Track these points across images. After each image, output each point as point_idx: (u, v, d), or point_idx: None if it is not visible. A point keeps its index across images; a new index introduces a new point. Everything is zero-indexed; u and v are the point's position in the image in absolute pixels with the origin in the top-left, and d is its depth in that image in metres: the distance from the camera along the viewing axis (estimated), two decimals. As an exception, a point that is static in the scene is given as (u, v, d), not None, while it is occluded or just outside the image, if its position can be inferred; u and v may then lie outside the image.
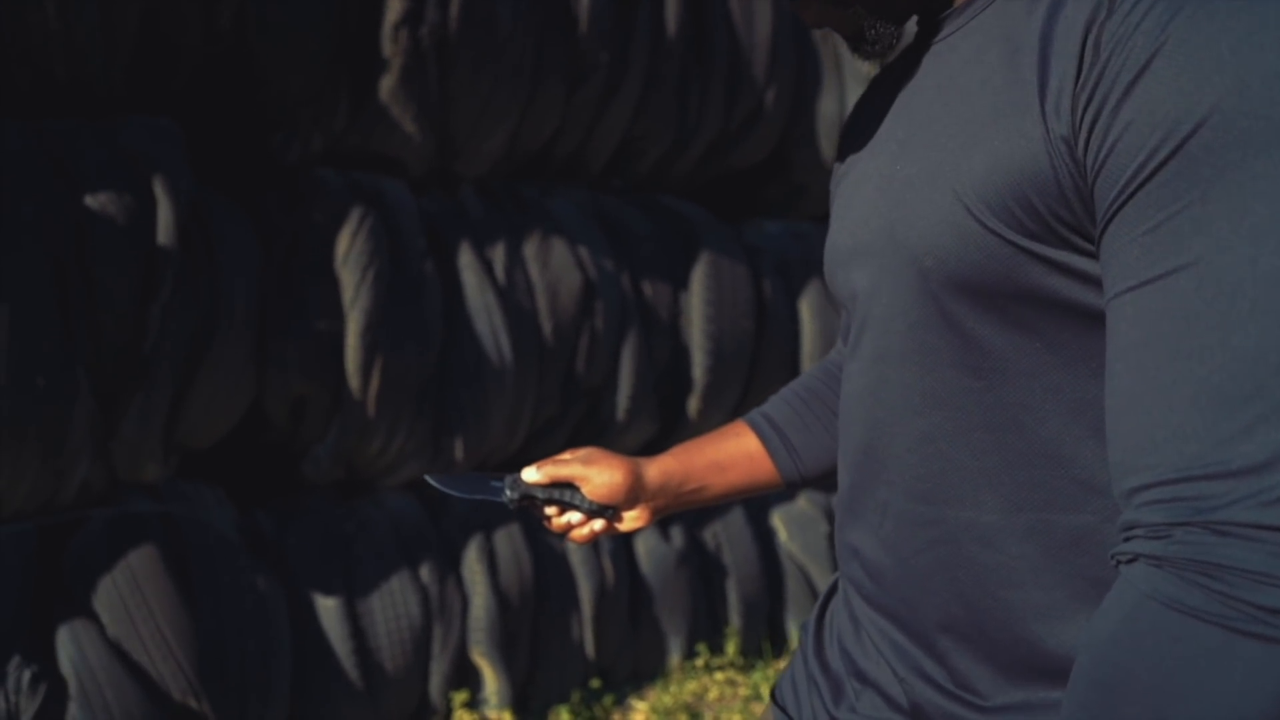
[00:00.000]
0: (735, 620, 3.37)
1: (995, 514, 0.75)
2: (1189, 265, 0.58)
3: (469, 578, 2.82)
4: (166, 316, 2.25)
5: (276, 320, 2.50)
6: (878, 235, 0.80)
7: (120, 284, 2.17)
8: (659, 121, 3.22)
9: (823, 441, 1.13)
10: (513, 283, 2.88)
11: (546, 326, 2.94)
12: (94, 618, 2.18)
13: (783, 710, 0.99)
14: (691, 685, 3.18)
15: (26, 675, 2.05)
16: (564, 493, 1.08)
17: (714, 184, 3.68)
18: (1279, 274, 0.55)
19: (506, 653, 2.85)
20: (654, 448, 3.11)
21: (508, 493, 1.08)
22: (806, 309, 3.56)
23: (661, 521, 3.27)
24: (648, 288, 3.21)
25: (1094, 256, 0.67)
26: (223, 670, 2.31)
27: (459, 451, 2.79)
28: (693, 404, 3.31)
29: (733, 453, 1.12)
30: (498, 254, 2.88)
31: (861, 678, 0.88)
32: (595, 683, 3.05)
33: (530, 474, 1.08)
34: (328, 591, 2.57)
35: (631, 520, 1.11)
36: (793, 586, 3.52)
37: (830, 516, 3.64)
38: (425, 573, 2.73)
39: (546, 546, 3.00)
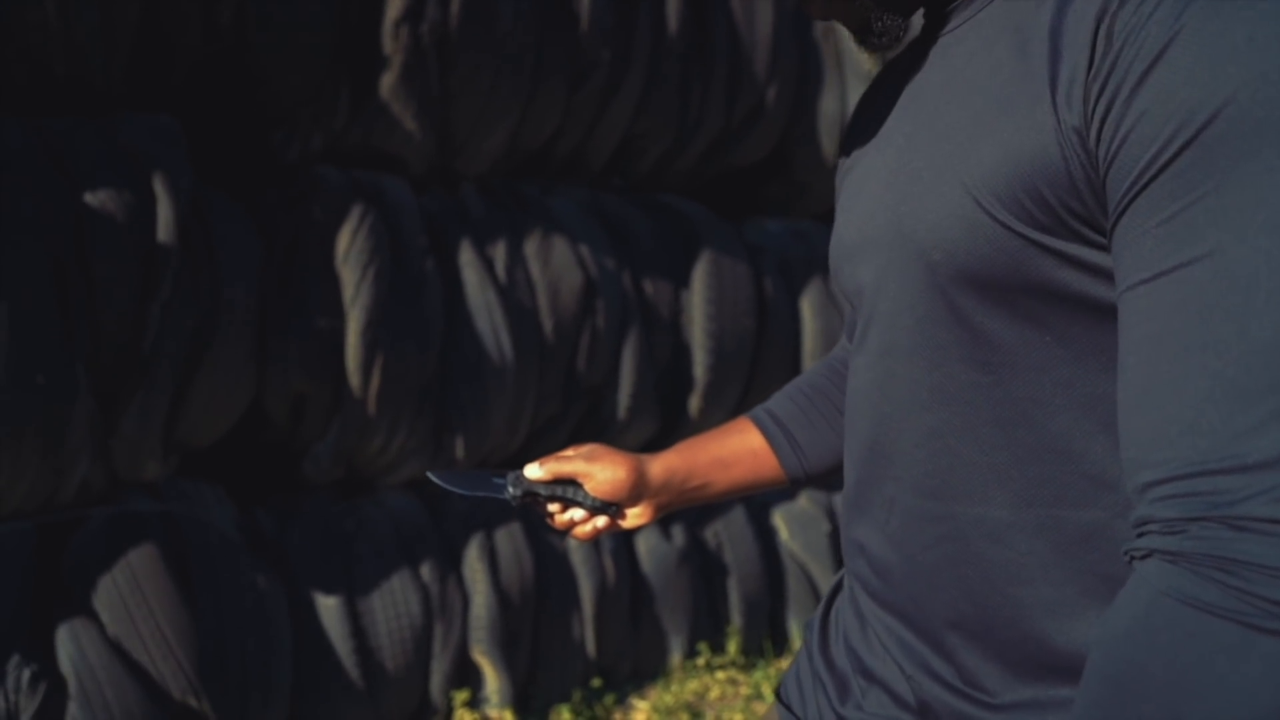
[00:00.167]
0: (737, 619, 3.36)
1: (1004, 510, 0.74)
2: (1204, 257, 0.57)
3: (470, 576, 2.81)
4: (166, 314, 2.24)
5: (277, 318, 2.50)
6: (885, 229, 0.79)
7: (120, 282, 2.17)
8: (660, 119, 3.21)
9: (827, 438, 1.12)
10: (513, 281, 2.87)
11: (547, 325, 2.93)
12: (94, 617, 2.18)
13: (788, 709, 0.98)
14: (693, 684, 3.17)
15: (26, 674, 2.04)
16: (567, 489, 1.08)
17: (715, 182, 3.67)
18: None
19: (507, 652, 2.84)
20: (655, 446, 3.10)
21: (510, 489, 1.07)
22: (808, 307, 3.55)
23: (662, 520, 3.27)
24: (649, 286, 3.20)
25: (1105, 249, 0.66)
26: (223, 669, 2.31)
27: (460, 450, 2.79)
28: (694, 403, 3.30)
29: (736, 449, 1.12)
30: (498, 252, 2.88)
31: (868, 675, 0.87)
32: (596, 682, 3.05)
33: (533, 471, 1.08)
34: (328, 590, 2.56)
35: (635, 517, 1.10)
36: (794, 585, 3.51)
37: (832, 515, 3.63)
38: (426, 571, 2.73)
39: (547, 545, 2.99)
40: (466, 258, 2.81)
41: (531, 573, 2.90)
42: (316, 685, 2.53)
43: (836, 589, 1.00)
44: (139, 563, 2.23)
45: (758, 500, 3.55)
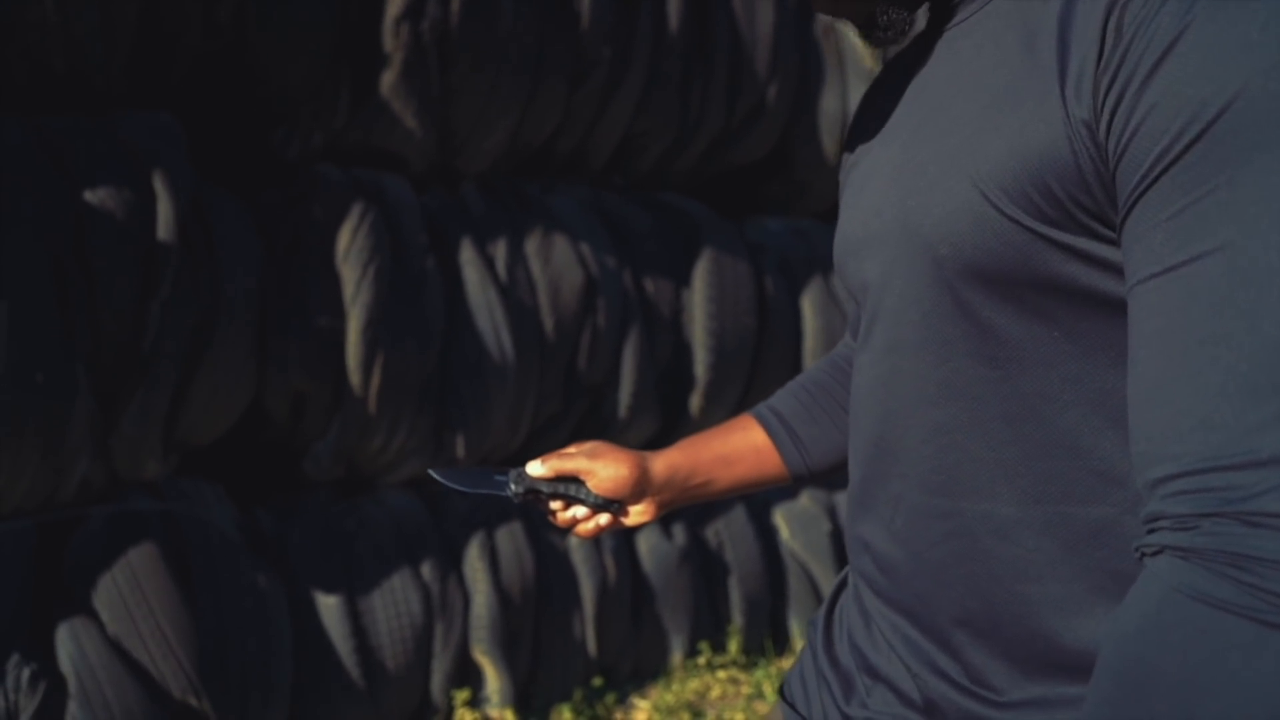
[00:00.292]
0: (738, 618, 3.36)
1: (1012, 506, 0.73)
2: (1216, 250, 0.56)
3: (470, 576, 2.81)
4: (166, 313, 2.23)
5: (277, 317, 2.49)
6: (890, 224, 0.78)
7: (120, 280, 2.16)
8: (661, 118, 3.20)
9: (830, 435, 1.12)
10: (514, 279, 2.87)
11: (548, 323, 2.93)
12: (94, 616, 2.17)
13: (792, 707, 0.98)
14: (694, 683, 3.16)
15: (26, 673, 2.04)
16: (569, 487, 1.07)
17: (716, 181, 3.67)
18: None
19: (508, 651, 2.83)
20: (656, 445, 3.10)
21: (512, 487, 1.07)
22: (809, 306, 3.55)
23: (663, 519, 3.26)
24: (649, 285, 3.20)
25: (1114, 243, 0.65)
26: (223, 668, 2.30)
27: (460, 449, 2.78)
28: (695, 401, 3.30)
29: (739, 446, 1.11)
30: (499, 250, 2.87)
31: (873, 673, 0.86)
32: (597, 681, 3.04)
33: (535, 468, 1.07)
34: (329, 589, 2.56)
35: (637, 514, 1.10)
36: (795, 584, 3.51)
37: (833, 514, 3.63)
38: (426, 571, 2.72)
39: (548, 544, 2.99)
40: (467, 256, 2.81)
41: (532, 572, 2.90)
42: (317, 684, 2.52)
43: (840, 586, 1.00)
44: (139, 562, 2.23)
45: (759, 499, 3.55)
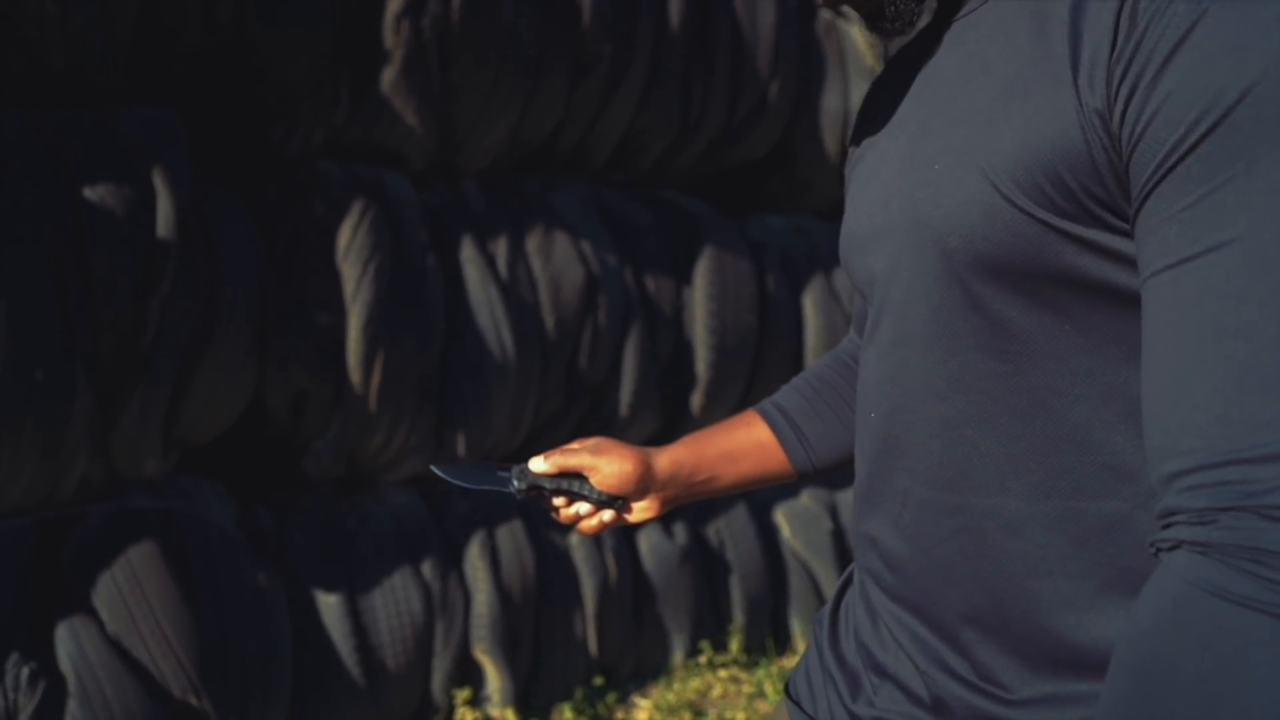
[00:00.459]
0: (739, 617, 3.35)
1: (1022, 501, 0.72)
2: (1233, 241, 0.55)
3: (471, 574, 2.80)
4: (166, 310, 2.23)
5: (277, 314, 2.48)
6: (898, 216, 0.77)
7: (119, 277, 2.15)
8: (662, 115, 3.19)
9: (835, 431, 1.11)
10: (515, 277, 2.86)
11: (549, 321, 2.92)
12: (93, 614, 2.16)
13: (797, 705, 0.97)
14: (695, 683, 3.16)
15: (25, 672, 2.03)
16: (572, 483, 1.06)
17: (717, 178, 3.66)
18: None
19: (509, 650, 2.83)
20: (657, 443, 3.09)
21: (515, 483, 1.06)
22: (810, 304, 3.54)
23: (664, 518, 3.25)
24: (651, 282, 3.19)
25: (1127, 235, 0.64)
26: (223, 667, 2.29)
27: (461, 447, 2.77)
28: (696, 399, 3.29)
29: (744, 442, 1.10)
30: (500, 248, 2.86)
31: (880, 671, 0.86)
32: (598, 680, 3.03)
33: (538, 464, 1.06)
34: (329, 588, 2.55)
35: (641, 511, 1.09)
36: (796, 583, 3.50)
37: (834, 513, 3.62)
38: (427, 569, 2.71)
39: (549, 543, 2.98)
40: (468, 253, 2.80)
41: (533, 571, 2.89)
42: (317, 683, 2.51)
43: (846, 583, 0.99)
44: (139, 560, 2.22)
45: (760, 498, 3.54)
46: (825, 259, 3.64)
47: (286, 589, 2.50)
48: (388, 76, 2.59)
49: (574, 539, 3.03)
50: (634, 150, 3.28)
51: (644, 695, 3.11)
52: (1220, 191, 0.56)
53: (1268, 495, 0.52)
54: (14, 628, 2.07)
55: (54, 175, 2.11)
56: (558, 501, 1.08)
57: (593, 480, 1.06)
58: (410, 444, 2.70)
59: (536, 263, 2.93)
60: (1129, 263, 0.65)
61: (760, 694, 3.15)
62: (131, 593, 2.19)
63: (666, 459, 1.08)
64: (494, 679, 2.80)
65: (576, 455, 1.06)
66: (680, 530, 3.27)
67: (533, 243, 2.94)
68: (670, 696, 3.07)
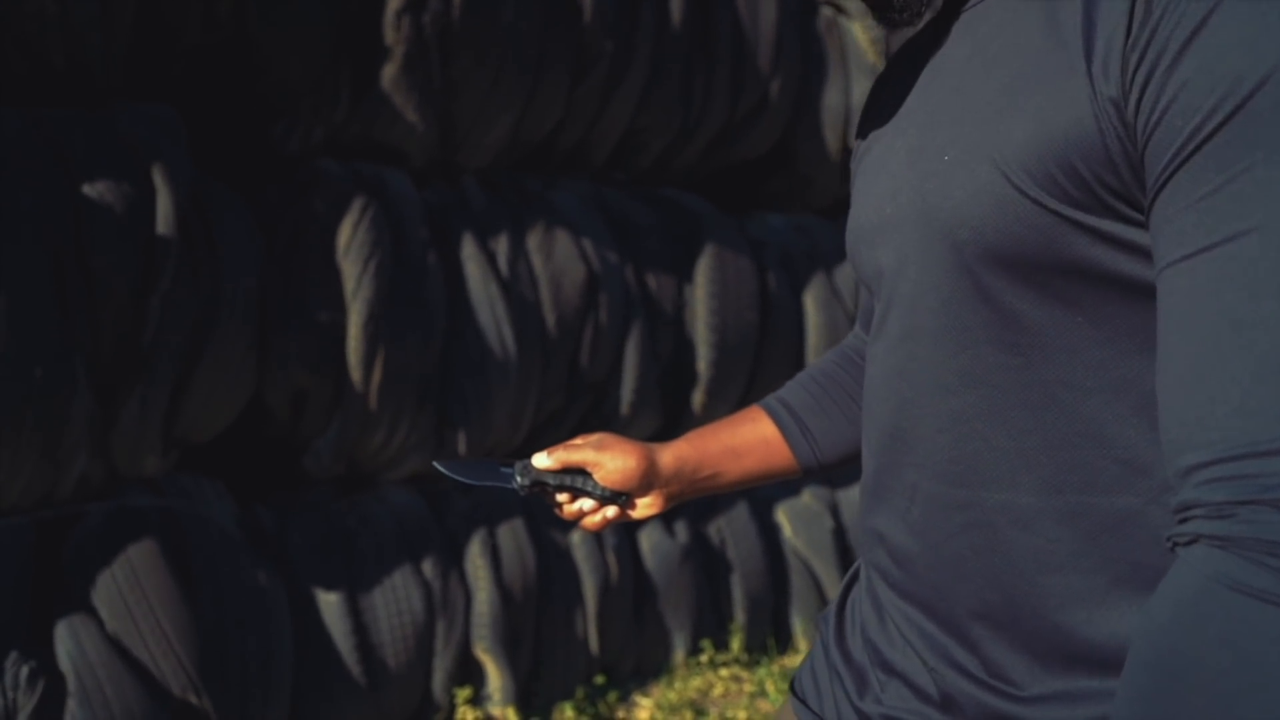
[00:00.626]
0: (740, 616, 3.34)
1: (1032, 496, 0.72)
2: (1251, 231, 0.54)
3: (472, 573, 2.79)
4: (166, 308, 2.22)
5: (277, 312, 2.48)
6: (906, 209, 0.77)
7: (119, 275, 2.14)
8: (663, 113, 3.19)
9: (840, 427, 1.10)
10: (516, 275, 2.85)
11: (550, 319, 2.91)
12: (93, 613, 2.15)
13: (803, 703, 0.96)
14: (696, 681, 3.15)
15: (24, 671, 2.02)
16: (576, 479, 1.05)
17: (717, 176, 3.66)
18: None
19: (510, 649, 2.82)
20: (658, 441, 3.09)
21: (518, 479, 1.05)
22: (811, 302, 3.53)
23: (666, 516, 3.25)
24: (651, 281, 3.18)
25: (1141, 226, 0.63)
26: (223, 667, 2.29)
27: (461, 446, 2.76)
28: (697, 397, 3.28)
29: (748, 438, 1.09)
30: (501, 246, 2.85)
31: (887, 668, 0.85)
32: (599, 679, 3.02)
33: (541, 460, 1.05)
34: (329, 587, 2.54)
35: (645, 507, 1.08)
36: (797, 582, 3.49)
37: (835, 511, 3.61)
38: (428, 568, 2.71)
39: (550, 542, 2.97)
40: (469, 251, 2.79)
41: (534, 569, 2.88)
42: (318, 683, 2.50)
43: (852, 580, 0.98)
44: (138, 559, 2.21)
45: (761, 496, 3.53)
46: (826, 257, 3.63)
47: (287, 588, 2.49)
48: (388, 74, 2.58)
49: (575, 537, 3.02)
50: (635, 148, 3.28)
51: (645, 694, 3.10)
52: (1238, 180, 0.55)
53: None
54: (13, 626, 2.06)
55: (53, 173, 2.10)
56: (561, 498, 1.07)
57: (596, 476, 1.05)
58: (411, 442, 2.70)
59: (537, 261, 2.92)
60: (1142, 254, 0.64)
61: (762, 693, 3.14)
62: (131, 591, 2.18)
63: (670, 455, 1.07)
64: (495, 678, 2.79)
65: (580, 451, 1.06)
66: (681, 529, 3.26)
67: (533, 241, 2.93)
68: (671, 695, 3.06)
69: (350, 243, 2.55)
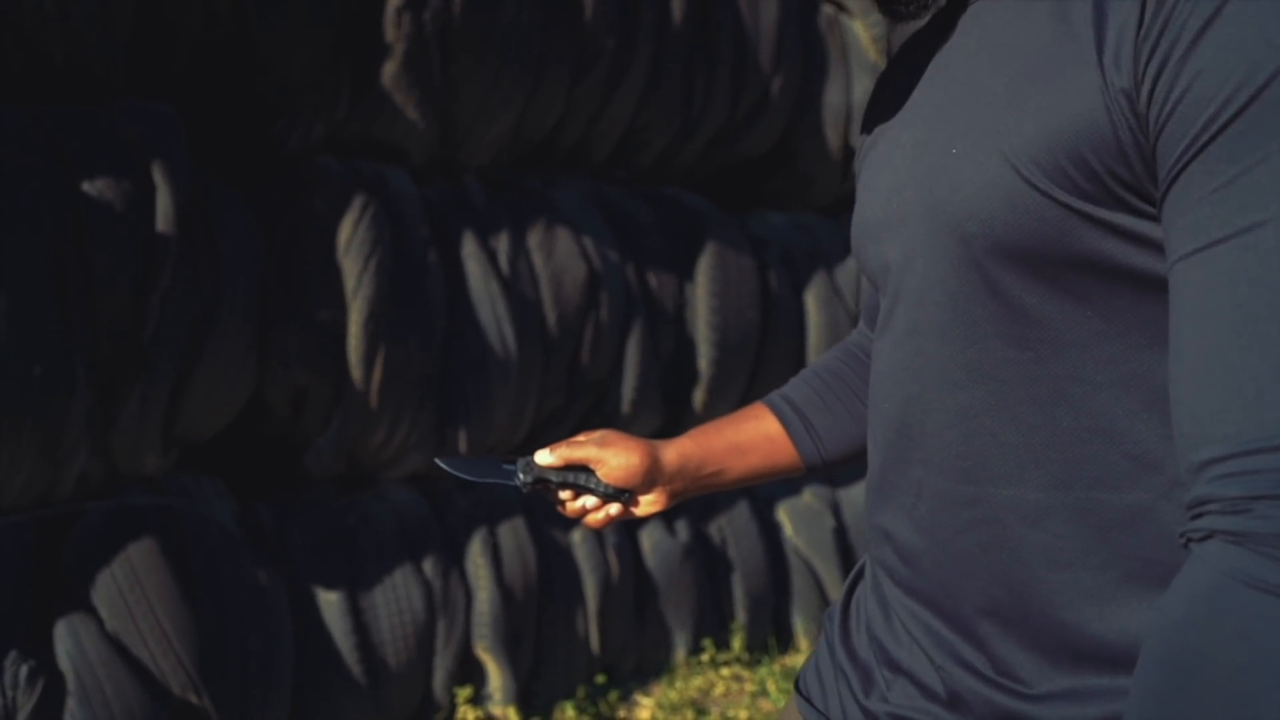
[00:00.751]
0: (741, 615, 3.34)
1: (1041, 492, 0.71)
2: (1266, 222, 0.54)
3: (473, 572, 2.79)
4: (166, 306, 2.21)
5: (277, 310, 2.47)
6: (913, 203, 0.76)
7: (119, 272, 2.14)
8: (664, 111, 3.18)
9: (845, 424, 1.09)
10: (517, 273, 2.84)
11: (551, 317, 2.90)
12: (92, 612, 2.15)
13: (808, 701, 0.95)
14: (697, 681, 3.14)
15: (24, 670, 2.02)
16: (579, 476, 1.04)
17: (718, 175, 3.65)
18: None
19: (511, 648, 2.81)
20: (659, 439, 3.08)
21: (520, 476, 1.04)
22: (812, 300, 3.53)
23: (667, 515, 3.24)
24: (652, 279, 3.18)
25: (1152, 219, 0.63)
26: (223, 666, 2.28)
27: (462, 444, 2.76)
28: (698, 396, 3.28)
29: (752, 435, 1.08)
30: (501, 244, 2.85)
31: (893, 666, 0.84)
32: (600, 678, 3.02)
33: (544, 457, 1.05)
34: (330, 586, 2.54)
35: (648, 504, 1.07)
36: (799, 581, 3.48)
37: (836, 510, 3.61)
38: (428, 567, 2.70)
39: (551, 540, 2.97)
40: (469, 249, 2.79)
41: (535, 568, 2.87)
42: (318, 682, 2.50)
43: (858, 577, 0.97)
44: (138, 558, 2.20)
45: (762, 495, 3.53)
46: (827, 255, 3.63)
47: (287, 587, 2.48)
48: (389, 71, 2.57)
49: (576, 536, 3.02)
50: (636, 146, 3.27)
51: (646, 693, 3.10)
52: (1253, 172, 0.54)
53: None
54: (13, 625, 2.06)
55: (53, 170, 2.09)
56: (564, 495, 1.06)
57: (599, 473, 1.04)
58: (411, 441, 2.69)
59: (538, 259, 2.92)
60: (1153, 247, 0.64)
61: (763, 692, 3.13)
62: (131, 590, 2.17)
63: (674, 452, 1.06)
64: (496, 677, 2.79)
65: (583, 448, 1.05)
66: (682, 528, 3.25)
67: (534, 239, 2.92)
68: (673, 695, 3.05)
69: (351, 241, 2.54)
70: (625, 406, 3.09)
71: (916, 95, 0.82)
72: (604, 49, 2.95)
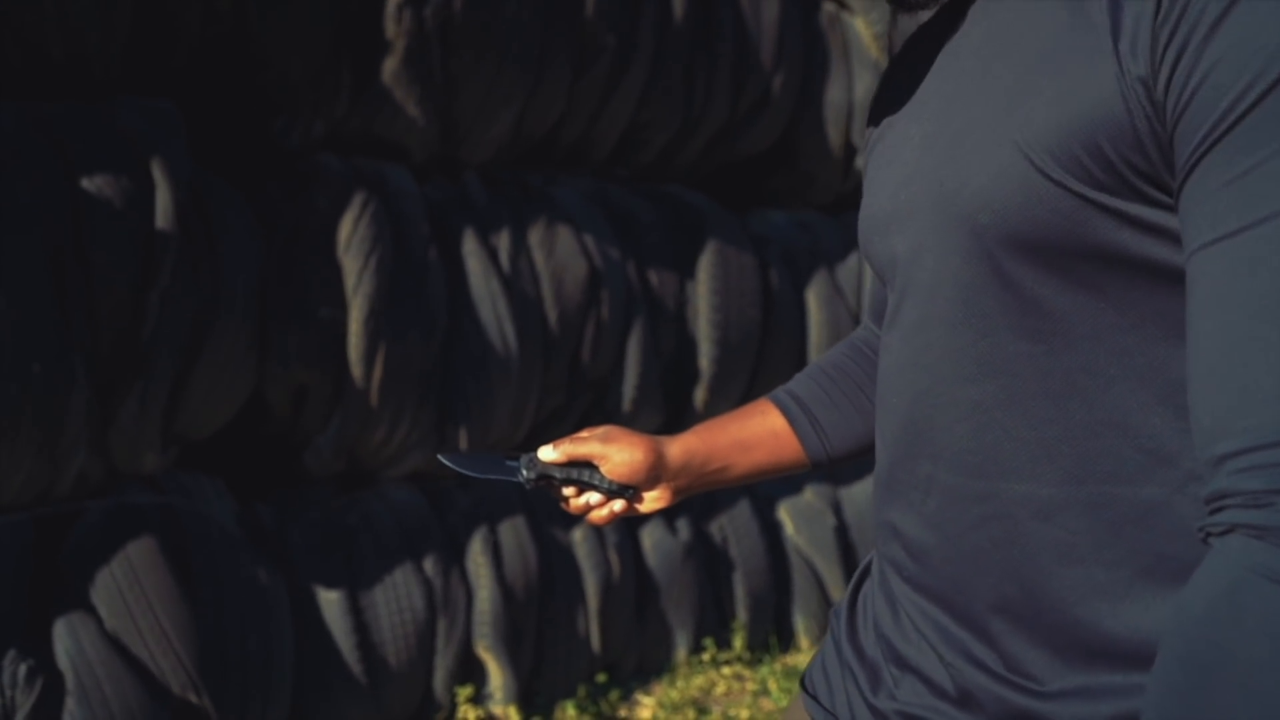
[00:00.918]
0: (742, 614, 3.33)
1: (1054, 487, 0.70)
2: None
3: (473, 571, 2.78)
4: (165, 303, 2.20)
5: (277, 308, 2.46)
6: (922, 195, 0.75)
7: (118, 270, 2.13)
8: (665, 109, 3.17)
9: (851, 420, 1.08)
10: (517, 271, 2.84)
11: (552, 315, 2.90)
12: (92, 611, 2.14)
13: (814, 699, 0.94)
14: (698, 680, 3.14)
15: (23, 669, 2.01)
16: (582, 472, 1.03)
17: (720, 173, 3.64)
18: None
19: (511, 647, 2.80)
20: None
21: (524, 472, 1.03)
22: (813, 299, 3.52)
23: (668, 514, 3.23)
24: (653, 277, 3.17)
25: (1168, 209, 0.62)
26: (223, 665, 2.27)
27: (463, 443, 2.75)
28: (699, 394, 3.27)
29: (757, 431, 1.07)
30: (502, 241, 2.84)
31: (901, 663, 0.83)
32: (601, 677, 3.01)
33: (547, 453, 1.04)
34: (330, 585, 2.53)
35: (652, 501, 1.06)
36: (800, 580, 3.48)
37: (837, 509, 3.60)
38: (429, 566, 2.69)
39: (552, 539, 2.96)
40: (470, 247, 2.78)
41: (536, 567, 2.87)
42: (318, 681, 2.49)
43: (864, 574, 0.96)
44: (138, 556, 2.19)
45: (763, 494, 3.52)
46: (828, 254, 3.62)
47: (287, 586, 2.47)
48: (389, 68, 2.56)
49: (577, 535, 3.01)
50: (637, 144, 3.26)
51: (647, 692, 3.09)
52: (1272, 161, 0.54)
53: None
54: (12, 624, 2.05)
55: (52, 167, 2.08)
56: (567, 491, 1.05)
57: (603, 469, 1.03)
58: (412, 439, 2.68)
59: (539, 257, 2.91)
60: (1169, 237, 0.63)
61: (764, 691, 3.12)
62: (130, 589, 2.16)
63: (678, 448, 1.05)
64: (496, 676, 2.78)
65: (586, 444, 1.04)
66: (683, 526, 3.25)
67: (535, 237, 2.91)
68: (674, 694, 3.04)
69: (351, 238, 2.53)
70: (626, 405, 3.08)
71: (924, 88, 0.81)
72: (605, 46, 2.94)
